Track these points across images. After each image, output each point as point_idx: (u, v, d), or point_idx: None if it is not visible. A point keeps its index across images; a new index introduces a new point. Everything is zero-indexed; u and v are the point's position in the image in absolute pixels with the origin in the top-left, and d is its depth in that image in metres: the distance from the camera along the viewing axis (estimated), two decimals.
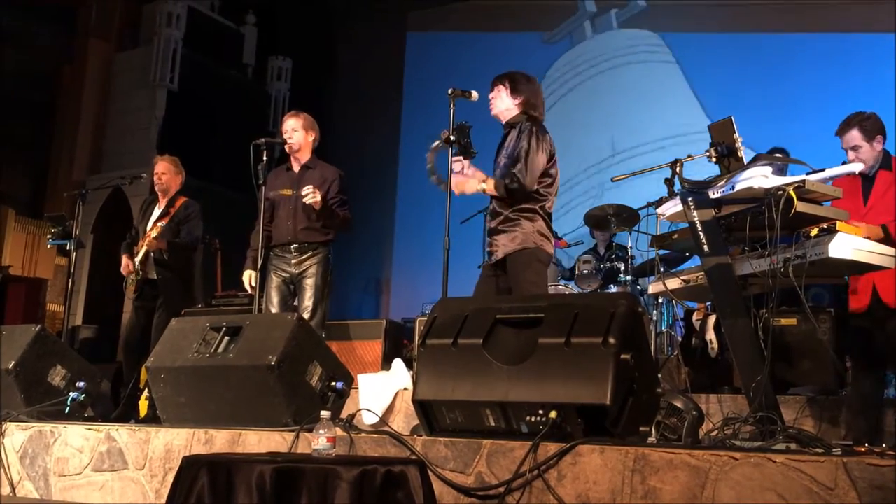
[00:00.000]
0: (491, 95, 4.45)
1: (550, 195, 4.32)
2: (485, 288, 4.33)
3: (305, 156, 5.21)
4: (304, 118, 5.23)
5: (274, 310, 5.03)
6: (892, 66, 7.55)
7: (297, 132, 5.17)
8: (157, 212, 5.92)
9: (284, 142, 5.19)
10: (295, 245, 5.07)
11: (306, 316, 4.84)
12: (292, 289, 5.08)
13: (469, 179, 4.26)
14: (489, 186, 4.24)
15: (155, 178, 5.98)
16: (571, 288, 6.62)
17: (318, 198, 4.87)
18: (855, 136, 3.97)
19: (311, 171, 5.17)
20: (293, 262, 5.06)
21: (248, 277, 5.12)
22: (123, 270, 5.80)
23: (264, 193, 5.02)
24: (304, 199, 4.88)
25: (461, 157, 4.36)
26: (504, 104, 4.41)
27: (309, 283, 5.00)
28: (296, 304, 5.06)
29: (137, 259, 5.69)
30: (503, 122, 4.46)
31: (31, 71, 9.82)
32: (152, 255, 5.69)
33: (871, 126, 3.97)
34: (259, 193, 5.01)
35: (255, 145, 4.96)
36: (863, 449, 2.72)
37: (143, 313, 5.77)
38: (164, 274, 5.72)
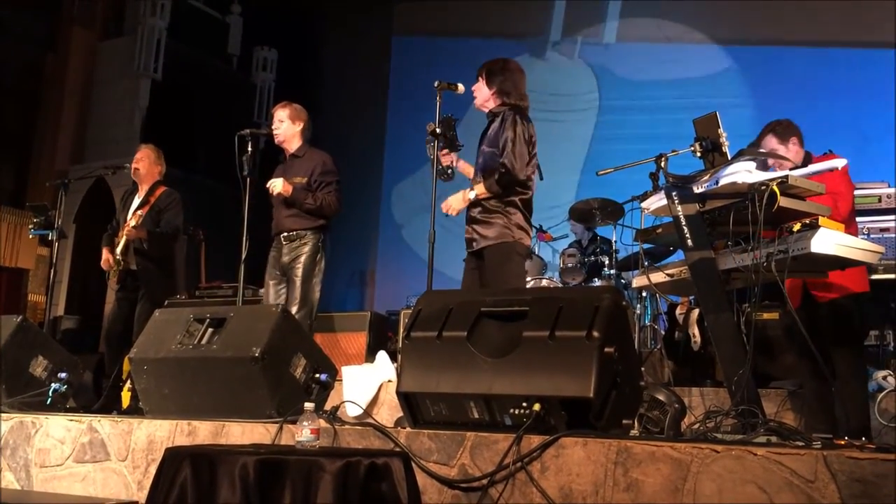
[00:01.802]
0: (473, 88, 4.44)
1: (530, 187, 4.32)
2: (469, 281, 4.34)
3: (295, 145, 5.21)
4: (291, 108, 5.23)
5: (269, 300, 5.05)
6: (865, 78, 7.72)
7: (283, 123, 5.18)
8: (136, 201, 5.87)
9: (270, 133, 5.19)
10: (284, 234, 5.08)
11: (295, 306, 4.86)
12: (285, 279, 5.09)
13: (455, 197, 4.29)
14: (480, 191, 4.25)
15: (138, 164, 5.92)
16: (556, 281, 6.64)
17: (280, 188, 4.91)
18: (770, 141, 4.13)
19: (299, 159, 5.18)
20: (284, 250, 5.07)
21: None
22: (103, 265, 5.75)
23: (254, 191, 5.03)
24: (272, 193, 4.95)
25: (448, 152, 4.38)
26: (482, 95, 4.41)
27: (298, 273, 4.99)
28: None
29: (118, 249, 5.65)
30: (487, 113, 4.45)
31: (13, 59, 9.72)
32: (132, 245, 5.65)
33: (784, 130, 4.13)
34: (244, 184, 4.99)
35: (239, 136, 4.95)
36: (842, 442, 2.74)
37: (126, 304, 5.74)
38: (145, 264, 5.68)
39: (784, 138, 4.11)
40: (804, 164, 4.05)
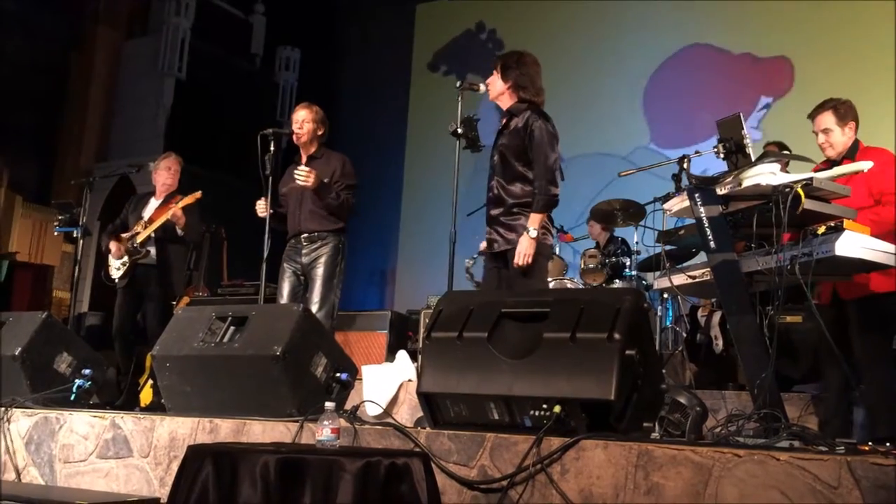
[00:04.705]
0: (487, 81, 4.35)
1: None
2: (489, 281, 4.30)
3: (313, 148, 5.21)
4: (316, 111, 5.22)
5: (283, 301, 5.04)
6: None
7: (307, 124, 5.17)
8: (155, 203, 5.98)
9: (292, 132, 5.19)
10: (305, 235, 5.06)
11: (315, 306, 4.85)
12: (303, 280, 5.06)
13: (525, 247, 4.04)
14: (536, 225, 4.06)
15: (168, 171, 6.05)
16: (577, 282, 6.61)
17: (310, 180, 4.85)
18: (828, 118, 3.95)
19: (317, 160, 5.17)
20: (304, 251, 5.05)
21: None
22: (115, 254, 5.82)
23: (274, 190, 5.03)
24: (297, 181, 4.90)
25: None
26: (496, 89, 4.31)
27: (318, 273, 4.98)
28: (307, 294, 5.06)
29: (139, 240, 5.75)
30: (503, 108, 4.34)
31: (38, 58, 9.82)
32: (155, 235, 5.73)
33: (846, 111, 3.94)
34: (266, 183, 5.01)
35: (262, 135, 4.96)
36: (867, 448, 2.71)
37: (133, 299, 5.84)
38: (165, 257, 5.80)
39: (844, 120, 3.92)
40: (850, 152, 3.93)
